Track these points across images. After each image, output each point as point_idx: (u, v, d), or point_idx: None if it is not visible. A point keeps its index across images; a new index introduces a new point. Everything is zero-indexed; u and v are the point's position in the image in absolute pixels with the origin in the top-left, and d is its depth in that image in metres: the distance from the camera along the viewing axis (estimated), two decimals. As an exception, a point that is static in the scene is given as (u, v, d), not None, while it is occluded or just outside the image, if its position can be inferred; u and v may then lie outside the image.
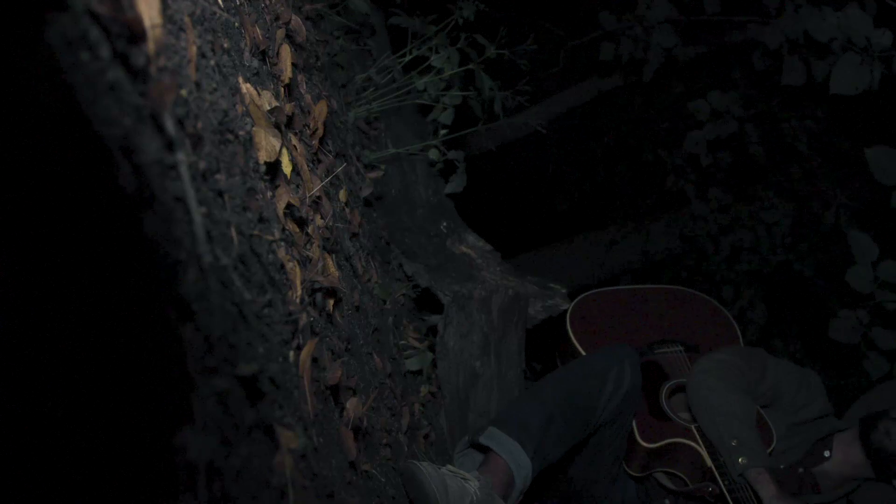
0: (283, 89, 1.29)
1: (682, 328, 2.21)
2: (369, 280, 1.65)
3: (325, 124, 1.45)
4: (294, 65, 1.36)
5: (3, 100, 0.47)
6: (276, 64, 1.28)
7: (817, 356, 4.38)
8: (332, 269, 1.27)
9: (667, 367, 2.03)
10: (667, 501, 1.93)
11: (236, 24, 1.12)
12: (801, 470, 1.87)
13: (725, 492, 1.70)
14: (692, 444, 1.81)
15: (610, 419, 1.82)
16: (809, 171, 4.24)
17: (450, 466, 1.49)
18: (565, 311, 2.18)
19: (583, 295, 2.25)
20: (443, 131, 2.12)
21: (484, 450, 1.66)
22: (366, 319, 1.51)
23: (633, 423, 1.88)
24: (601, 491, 1.95)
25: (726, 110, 3.67)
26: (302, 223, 1.18)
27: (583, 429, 1.77)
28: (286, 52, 1.29)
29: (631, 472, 1.92)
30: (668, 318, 2.26)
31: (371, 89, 2.10)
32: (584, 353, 2.04)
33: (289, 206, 1.10)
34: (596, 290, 2.30)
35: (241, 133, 0.98)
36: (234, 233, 0.82)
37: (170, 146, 0.66)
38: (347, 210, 1.57)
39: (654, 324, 2.22)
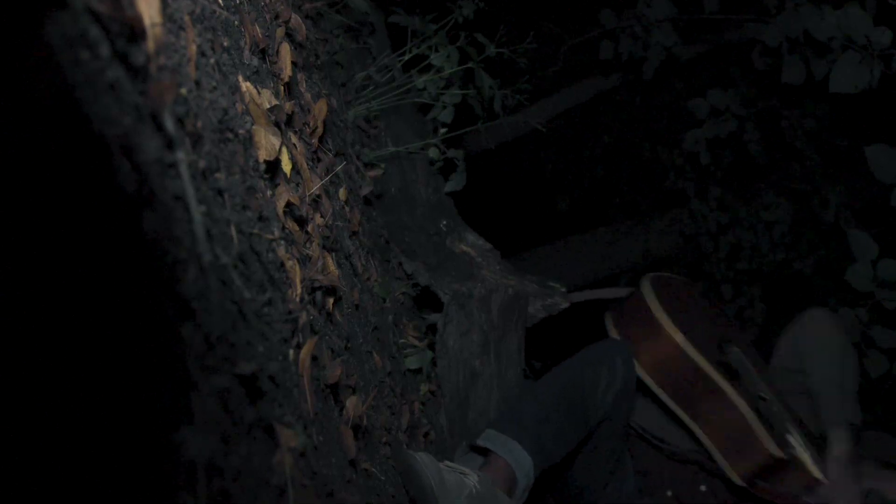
0: (282, 88, 1.29)
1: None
2: (369, 278, 1.65)
3: (324, 123, 1.44)
4: (294, 63, 1.36)
5: (2, 99, 0.47)
6: (275, 62, 1.28)
7: (817, 355, 4.37)
8: (332, 267, 1.27)
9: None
10: (669, 493, 1.94)
11: (236, 23, 1.12)
12: None
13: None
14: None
15: (606, 415, 1.83)
16: (809, 170, 4.24)
17: (448, 462, 1.49)
18: (648, 285, 2.06)
19: (657, 273, 2.16)
20: (442, 130, 2.12)
21: (483, 452, 1.66)
22: (365, 318, 1.51)
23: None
24: (600, 486, 1.95)
25: (726, 109, 3.67)
26: (301, 222, 1.18)
27: (582, 425, 1.77)
28: (286, 51, 1.29)
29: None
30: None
31: (371, 88, 2.10)
32: (676, 328, 1.94)
33: (288, 204, 1.10)
34: (666, 274, 2.21)
35: (240, 132, 0.98)
36: (233, 231, 0.82)
37: (169, 145, 0.66)
38: (347, 209, 1.57)
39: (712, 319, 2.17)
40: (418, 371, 1.84)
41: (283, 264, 1.01)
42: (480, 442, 1.65)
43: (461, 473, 1.47)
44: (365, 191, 1.84)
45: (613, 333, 2.05)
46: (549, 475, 1.89)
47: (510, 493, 1.59)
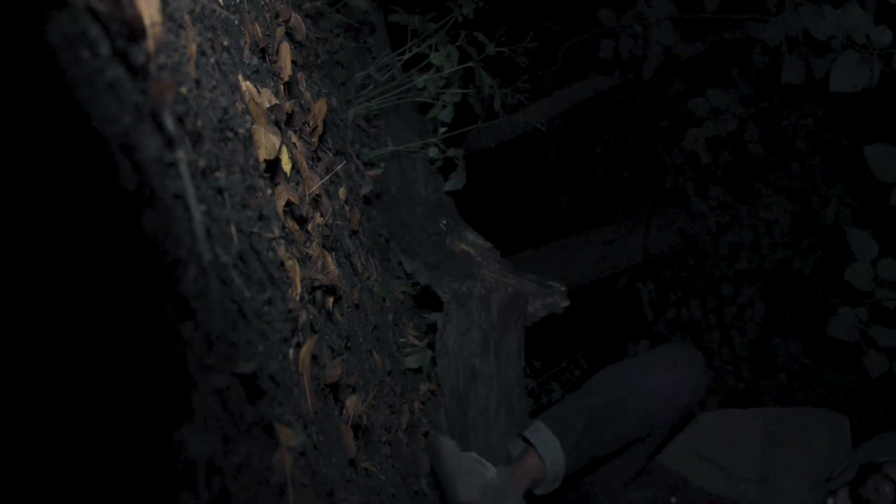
0: (282, 87, 1.29)
1: None
2: (369, 278, 1.65)
3: (324, 122, 1.44)
4: (294, 62, 1.36)
5: (2, 97, 0.47)
6: (275, 62, 1.28)
7: (816, 354, 4.38)
8: (332, 266, 1.27)
9: None
10: (673, 500, 1.92)
11: (236, 22, 1.12)
12: None
13: None
14: None
15: (648, 433, 1.74)
16: (809, 169, 4.24)
17: (473, 454, 1.55)
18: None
19: None
20: (442, 129, 2.12)
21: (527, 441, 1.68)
22: (365, 317, 1.51)
23: None
24: (611, 495, 1.93)
25: (726, 108, 3.67)
26: (301, 221, 1.18)
27: (628, 438, 1.72)
28: (286, 50, 1.28)
29: None
30: None
31: (371, 87, 2.09)
32: None
33: (288, 203, 1.10)
34: None
35: (240, 131, 0.98)
36: (233, 231, 0.82)
37: (169, 144, 0.66)
38: (347, 208, 1.57)
39: None
40: (418, 370, 1.84)
41: (282, 263, 1.01)
42: (527, 434, 1.66)
43: (481, 465, 1.53)
44: (365, 190, 1.84)
45: None
46: (567, 481, 1.87)
47: (530, 490, 1.62)
